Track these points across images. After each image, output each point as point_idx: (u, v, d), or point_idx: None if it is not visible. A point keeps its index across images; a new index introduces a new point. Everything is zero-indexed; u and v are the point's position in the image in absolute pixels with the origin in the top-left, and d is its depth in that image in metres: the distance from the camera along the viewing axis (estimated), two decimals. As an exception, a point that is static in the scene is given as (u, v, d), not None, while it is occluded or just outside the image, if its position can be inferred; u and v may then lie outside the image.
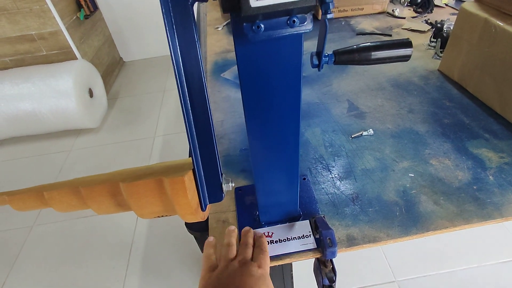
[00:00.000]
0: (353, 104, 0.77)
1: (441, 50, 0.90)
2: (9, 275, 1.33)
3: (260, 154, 0.41)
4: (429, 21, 1.07)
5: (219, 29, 1.20)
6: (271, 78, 0.33)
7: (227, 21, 1.24)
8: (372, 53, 0.36)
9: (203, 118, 0.31)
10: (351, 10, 1.15)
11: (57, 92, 1.83)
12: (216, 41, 1.13)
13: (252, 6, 0.23)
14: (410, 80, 0.83)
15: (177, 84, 0.28)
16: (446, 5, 1.18)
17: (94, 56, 2.35)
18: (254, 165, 0.42)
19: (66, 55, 2.08)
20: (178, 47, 0.29)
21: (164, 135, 1.99)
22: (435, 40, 0.93)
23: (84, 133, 2.07)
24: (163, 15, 0.27)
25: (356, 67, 0.89)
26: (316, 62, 0.36)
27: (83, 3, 2.19)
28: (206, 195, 0.33)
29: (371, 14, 1.17)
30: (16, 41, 1.99)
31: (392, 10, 1.15)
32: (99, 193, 0.31)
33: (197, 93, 0.30)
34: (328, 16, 0.25)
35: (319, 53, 0.36)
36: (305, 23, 0.26)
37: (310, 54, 0.37)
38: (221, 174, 0.33)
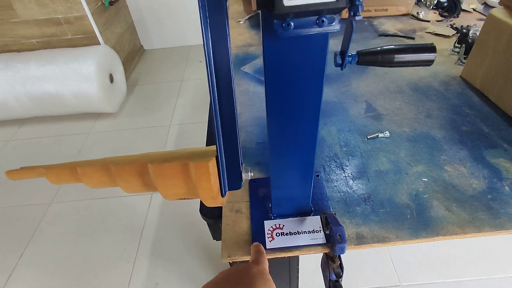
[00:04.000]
0: (371, 105, 0.77)
1: (465, 56, 0.88)
2: (27, 247, 1.40)
3: (278, 148, 0.42)
4: (454, 26, 1.05)
5: (241, 22, 1.21)
6: (295, 74, 0.34)
7: (249, 15, 1.25)
8: (396, 55, 0.37)
9: (228, 109, 0.32)
10: (375, 10, 1.14)
11: (80, 76, 1.89)
12: (238, 35, 1.14)
13: (285, 5, 0.24)
14: (430, 85, 0.82)
15: (208, 75, 0.29)
16: (474, 10, 1.15)
17: (116, 42, 2.40)
18: (271, 159, 0.44)
19: (89, 40, 2.14)
20: (210, 40, 0.31)
21: (180, 124, 2.02)
22: (460, 45, 0.92)
23: (103, 117, 2.13)
24: (199, 9, 0.29)
25: (377, 68, 0.89)
26: (339, 61, 0.37)
27: (109, -11, 2.23)
28: (226, 182, 0.35)
29: (395, 15, 1.16)
30: (43, 23, 2.05)
31: (417, 13, 1.13)
32: (128, 172, 0.33)
33: (225, 85, 0.32)
34: (357, 18, 0.26)
35: (343, 53, 0.37)
36: (333, 23, 0.27)
37: (334, 53, 0.38)
38: (241, 164, 0.35)
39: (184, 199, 0.34)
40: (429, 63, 0.37)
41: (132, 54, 2.70)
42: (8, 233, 1.46)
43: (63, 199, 1.59)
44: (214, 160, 0.32)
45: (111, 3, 2.27)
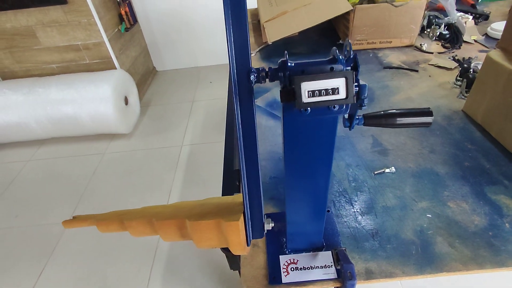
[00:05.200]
0: (377, 140, 0.82)
1: (467, 90, 0.93)
2: (47, 264, 1.46)
3: (294, 192, 0.47)
4: (456, 58, 1.10)
5: (253, 54, 1.28)
6: (309, 142, 0.39)
7: (260, 47, 1.32)
8: (397, 119, 0.42)
9: (253, 169, 0.38)
10: (380, 42, 1.20)
11: (97, 99, 1.98)
12: (250, 67, 1.21)
13: (304, 102, 0.30)
14: (434, 120, 0.86)
15: (239, 142, 0.35)
16: (475, 41, 1.20)
17: (131, 65, 2.51)
18: (288, 200, 0.49)
19: (106, 65, 2.25)
20: (240, 113, 0.37)
21: (191, 145, 2.09)
22: (461, 79, 0.97)
23: (117, 138, 2.21)
24: (234, 94, 0.35)
25: (382, 102, 0.94)
26: (348, 124, 0.43)
27: (124, 17, 2.36)
28: (251, 233, 0.40)
29: (399, 47, 1.21)
30: (63, 50, 2.18)
31: (420, 45, 1.19)
32: (168, 226, 0.38)
33: (251, 149, 0.37)
34: (362, 108, 0.31)
35: (351, 117, 0.42)
36: (343, 108, 0.33)
37: (343, 117, 0.43)
38: (264, 216, 0.40)
39: (215, 247, 0.39)
40: (427, 125, 0.43)
41: (145, 76, 2.81)
42: (28, 251, 1.53)
43: (81, 219, 1.65)
44: (242, 217, 0.37)
45: (126, 29, 2.39)
